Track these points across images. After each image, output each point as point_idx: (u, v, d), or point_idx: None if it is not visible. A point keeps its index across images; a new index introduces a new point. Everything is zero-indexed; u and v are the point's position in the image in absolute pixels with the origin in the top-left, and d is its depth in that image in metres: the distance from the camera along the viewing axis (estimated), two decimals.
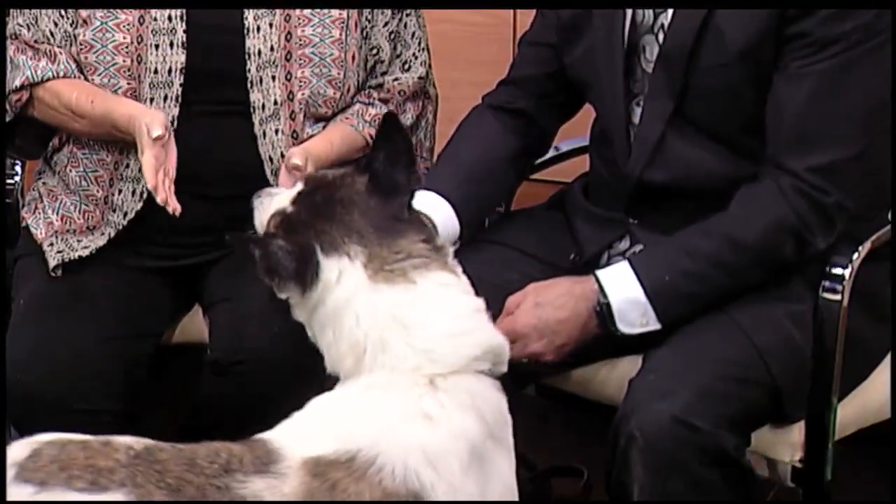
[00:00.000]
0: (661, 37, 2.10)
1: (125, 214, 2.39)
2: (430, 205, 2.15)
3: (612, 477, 2.04)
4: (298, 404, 2.38)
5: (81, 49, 2.36)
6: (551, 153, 2.53)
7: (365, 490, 1.61)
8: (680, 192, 2.14)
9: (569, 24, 2.22)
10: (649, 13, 2.11)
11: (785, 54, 2.02)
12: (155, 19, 2.35)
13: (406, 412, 1.69)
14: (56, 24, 2.38)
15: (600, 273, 2.07)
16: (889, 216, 2.19)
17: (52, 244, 2.41)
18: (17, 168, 2.57)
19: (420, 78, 2.49)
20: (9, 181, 2.54)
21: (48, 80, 2.36)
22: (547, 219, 2.36)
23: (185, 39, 2.34)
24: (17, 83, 2.37)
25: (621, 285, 2.05)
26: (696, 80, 2.07)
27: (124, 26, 2.35)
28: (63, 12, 2.37)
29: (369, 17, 2.43)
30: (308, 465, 1.63)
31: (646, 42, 2.12)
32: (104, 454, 1.61)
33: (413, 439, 1.66)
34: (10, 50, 2.40)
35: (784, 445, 2.14)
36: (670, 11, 2.09)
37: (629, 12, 2.13)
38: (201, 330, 2.46)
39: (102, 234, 2.41)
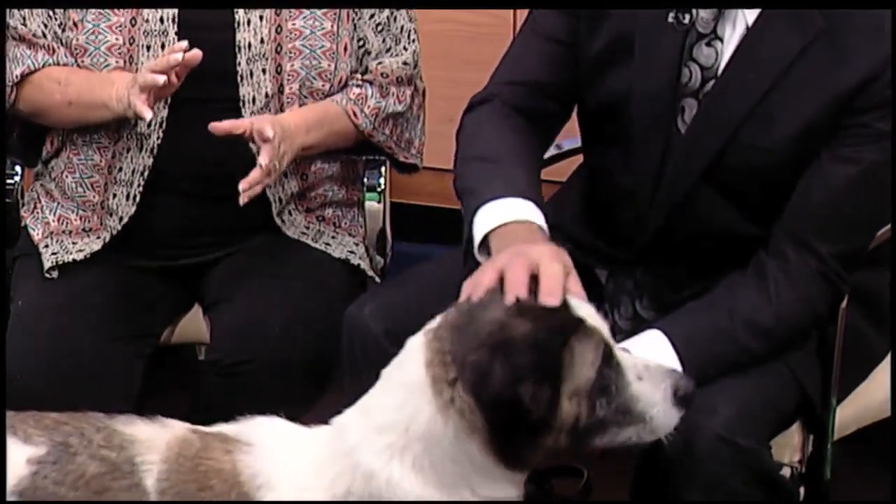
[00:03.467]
0: (703, 102, 2.02)
1: (120, 219, 2.40)
2: (531, 213, 1.98)
3: (641, 488, 2.02)
4: (298, 404, 2.40)
5: (77, 53, 2.36)
6: (552, 151, 2.51)
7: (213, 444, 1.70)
8: (693, 246, 2.09)
9: (603, 59, 2.09)
10: (697, 75, 2.02)
11: (838, 138, 1.96)
12: (147, 21, 2.35)
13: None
14: (46, 26, 2.38)
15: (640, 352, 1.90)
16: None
17: (47, 246, 2.41)
18: (17, 168, 2.56)
19: (405, 63, 2.46)
20: (9, 181, 2.54)
21: (48, 65, 2.37)
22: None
23: (176, 41, 2.33)
24: (18, 73, 2.37)
25: None
26: (732, 153, 2.01)
27: (116, 28, 2.35)
28: (52, 14, 2.37)
29: (357, 9, 2.42)
30: (196, 430, 1.73)
31: (686, 104, 2.04)
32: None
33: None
34: (8, 45, 2.39)
35: (784, 447, 2.14)
36: (716, 76, 2.01)
37: (672, 66, 2.03)
38: (201, 330, 2.46)
39: (98, 237, 2.41)
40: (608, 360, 1.65)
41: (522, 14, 3.10)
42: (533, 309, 1.64)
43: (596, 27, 2.08)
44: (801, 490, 2.18)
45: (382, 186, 2.58)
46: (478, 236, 1.93)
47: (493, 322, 1.63)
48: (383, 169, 2.59)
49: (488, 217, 1.94)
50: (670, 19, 2.00)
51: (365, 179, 2.58)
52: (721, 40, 2.00)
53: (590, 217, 2.23)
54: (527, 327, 1.61)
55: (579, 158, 2.53)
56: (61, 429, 1.70)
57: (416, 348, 1.67)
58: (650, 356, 1.87)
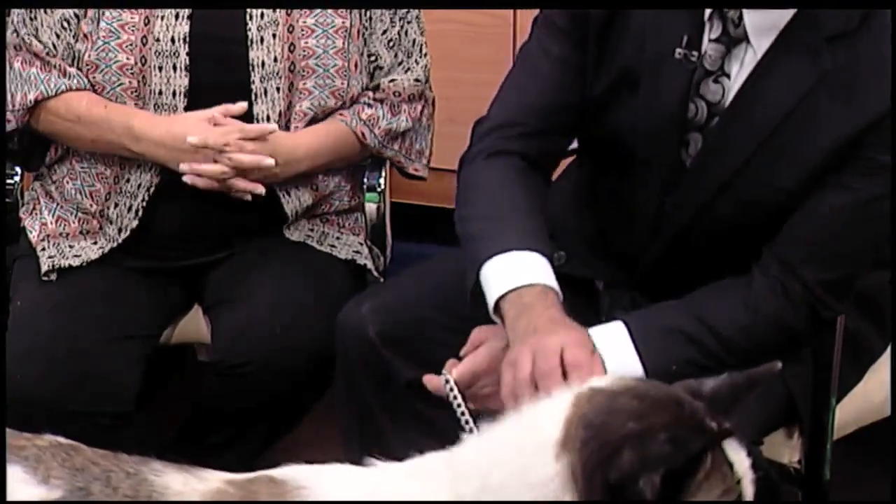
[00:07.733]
0: (708, 137, 2.00)
1: (120, 230, 2.39)
2: (541, 271, 1.95)
3: None
4: (299, 405, 2.40)
5: (88, 69, 2.35)
6: None
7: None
8: (692, 273, 2.04)
9: (608, 96, 2.05)
10: (704, 111, 1.99)
11: (842, 168, 1.94)
12: (158, 40, 2.34)
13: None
14: (58, 36, 2.37)
15: (598, 342, 1.92)
16: None
17: (44, 249, 2.40)
18: (17, 168, 2.56)
19: (416, 80, 2.47)
20: (8, 181, 2.54)
21: (62, 92, 2.35)
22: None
23: (187, 62, 2.33)
24: (32, 97, 2.35)
25: (623, 367, 1.91)
26: (736, 188, 1.99)
27: (127, 46, 2.34)
28: (64, 24, 2.36)
29: (367, 24, 2.42)
30: (233, 481, 1.56)
31: (691, 138, 2.01)
32: (32, 441, 1.56)
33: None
34: (17, 62, 2.38)
35: (783, 447, 2.14)
36: (722, 112, 1.98)
37: (678, 102, 1.99)
38: (201, 330, 2.46)
39: (96, 243, 2.41)
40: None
41: (522, 14, 3.11)
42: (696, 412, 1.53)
43: (600, 67, 2.04)
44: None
45: (382, 186, 2.58)
46: (490, 299, 1.91)
47: (635, 409, 1.50)
48: (383, 169, 2.59)
49: (498, 276, 1.92)
50: (678, 55, 1.97)
51: (365, 179, 2.58)
52: (728, 76, 1.97)
53: (586, 236, 2.20)
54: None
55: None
56: (89, 470, 1.51)
57: (561, 405, 1.53)
58: (608, 346, 1.91)
